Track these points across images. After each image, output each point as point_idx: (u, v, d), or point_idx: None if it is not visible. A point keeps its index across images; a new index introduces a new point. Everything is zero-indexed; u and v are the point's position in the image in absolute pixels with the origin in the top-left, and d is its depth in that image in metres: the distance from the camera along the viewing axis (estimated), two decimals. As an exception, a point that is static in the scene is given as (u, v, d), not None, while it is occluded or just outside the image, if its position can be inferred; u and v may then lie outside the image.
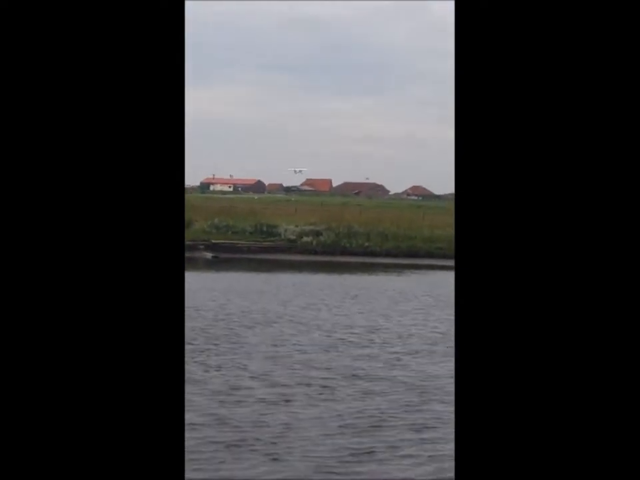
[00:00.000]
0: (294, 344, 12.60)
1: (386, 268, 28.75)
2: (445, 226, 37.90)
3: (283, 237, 33.61)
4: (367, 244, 32.98)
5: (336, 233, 33.71)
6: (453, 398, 3.11)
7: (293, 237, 33.45)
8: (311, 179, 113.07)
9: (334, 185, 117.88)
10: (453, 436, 3.08)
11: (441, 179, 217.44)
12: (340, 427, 7.91)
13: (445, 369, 10.52)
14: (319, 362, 11.16)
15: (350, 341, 13.10)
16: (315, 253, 32.33)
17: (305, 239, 33.23)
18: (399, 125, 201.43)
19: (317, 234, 33.56)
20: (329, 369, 10.75)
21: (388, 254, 32.38)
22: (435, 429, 7.98)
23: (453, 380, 3.13)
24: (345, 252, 32.39)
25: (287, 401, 8.89)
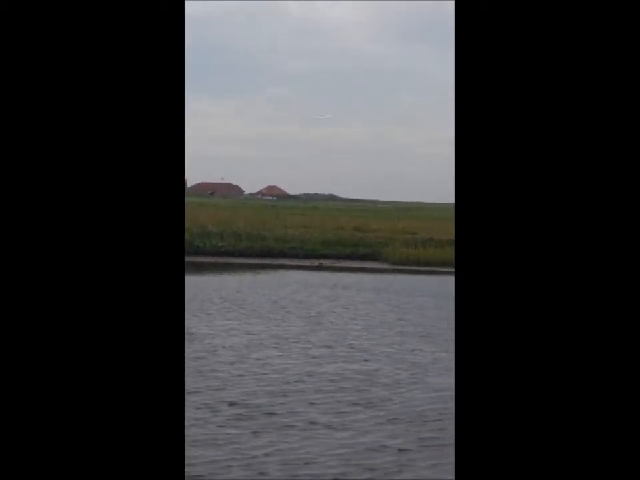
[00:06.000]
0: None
1: (241, 268, 28.86)
2: (298, 226, 38.46)
3: (136, 237, 32.97)
4: (220, 244, 32.82)
5: (190, 233, 33.40)
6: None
7: (146, 238, 32.87)
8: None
9: (189, 185, 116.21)
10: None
11: (296, 180, 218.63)
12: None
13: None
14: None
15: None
16: (169, 253, 31.85)
17: (159, 239, 32.72)
18: (255, 125, 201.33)
19: (171, 234, 33.17)
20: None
21: (242, 254, 32.36)
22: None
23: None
24: (198, 252, 32.08)
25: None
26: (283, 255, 32.75)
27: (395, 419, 9.09)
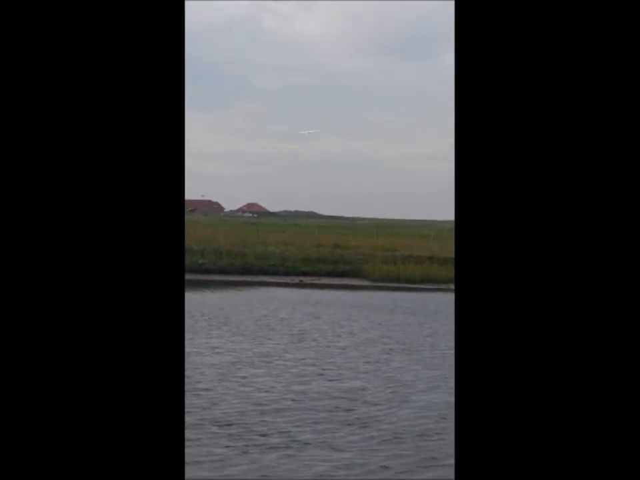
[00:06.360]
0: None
1: (222, 285, 28.74)
2: (278, 243, 38.40)
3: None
4: (201, 261, 32.72)
5: (170, 250, 33.20)
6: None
7: (126, 255, 32.67)
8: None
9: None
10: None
11: (276, 196, 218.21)
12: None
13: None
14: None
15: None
16: (149, 270, 31.66)
17: (139, 256, 32.52)
18: (231, 141, 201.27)
19: (151, 251, 32.95)
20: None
21: (222, 271, 32.27)
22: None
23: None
24: (179, 269, 31.86)
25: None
26: (263, 272, 32.65)
27: (389, 439, 9.02)
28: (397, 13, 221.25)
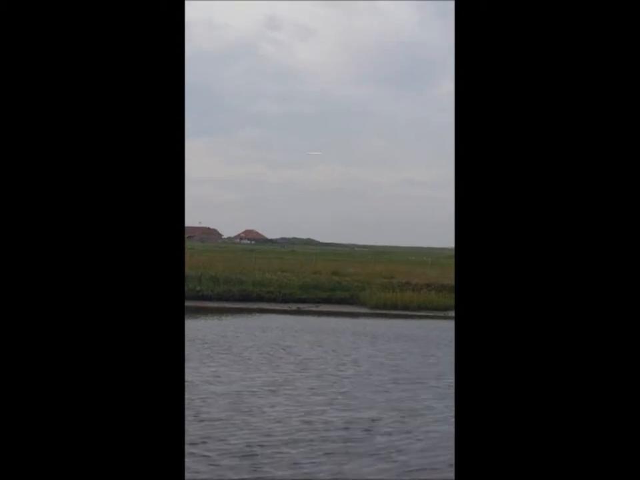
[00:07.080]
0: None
1: (220, 312, 28.58)
2: (276, 270, 38.30)
3: (112, 281, 32.62)
4: (198, 288, 32.58)
5: (167, 276, 33.06)
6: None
7: (122, 281, 32.53)
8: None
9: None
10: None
11: (273, 223, 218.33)
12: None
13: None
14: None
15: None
16: (146, 297, 31.53)
17: (136, 283, 32.38)
18: (230, 167, 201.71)
19: (148, 278, 32.81)
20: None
21: (220, 298, 32.17)
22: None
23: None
24: (176, 296, 31.73)
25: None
26: (260, 298, 32.53)
27: (409, 470, 8.89)
28: (396, 42, 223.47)
